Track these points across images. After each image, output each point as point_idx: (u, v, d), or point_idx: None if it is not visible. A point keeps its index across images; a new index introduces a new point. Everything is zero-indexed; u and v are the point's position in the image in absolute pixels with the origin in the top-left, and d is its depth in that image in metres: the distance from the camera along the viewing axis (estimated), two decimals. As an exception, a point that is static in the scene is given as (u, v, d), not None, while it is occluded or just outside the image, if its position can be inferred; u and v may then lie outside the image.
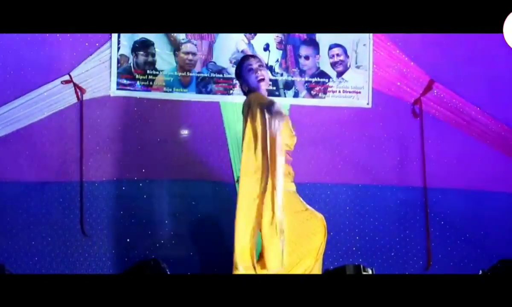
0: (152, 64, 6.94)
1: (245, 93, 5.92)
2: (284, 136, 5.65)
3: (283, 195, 5.56)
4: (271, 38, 7.10)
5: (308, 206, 5.84)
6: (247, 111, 5.64)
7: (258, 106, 5.56)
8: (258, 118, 5.53)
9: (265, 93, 5.86)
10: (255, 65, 5.84)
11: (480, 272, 4.62)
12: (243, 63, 5.89)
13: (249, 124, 5.59)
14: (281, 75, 7.10)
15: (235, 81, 6.95)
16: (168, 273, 5.21)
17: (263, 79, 5.83)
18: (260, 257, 5.60)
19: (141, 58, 6.93)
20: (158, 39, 6.95)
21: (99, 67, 6.87)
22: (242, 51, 7.01)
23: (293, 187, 5.82)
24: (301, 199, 5.86)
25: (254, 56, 6.01)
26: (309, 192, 6.96)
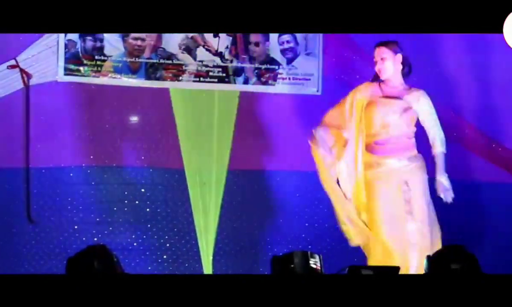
0: (100, 50, 6.87)
1: None
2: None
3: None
4: (221, 24, 7.08)
5: None
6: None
7: None
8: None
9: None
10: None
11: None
12: None
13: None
14: (231, 61, 7.06)
15: (185, 68, 6.93)
16: (116, 260, 5.15)
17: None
18: None
19: (89, 43, 6.85)
20: (106, 25, 6.89)
21: (46, 52, 6.78)
22: (191, 38, 6.97)
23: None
24: None
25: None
26: (259, 179, 6.98)
